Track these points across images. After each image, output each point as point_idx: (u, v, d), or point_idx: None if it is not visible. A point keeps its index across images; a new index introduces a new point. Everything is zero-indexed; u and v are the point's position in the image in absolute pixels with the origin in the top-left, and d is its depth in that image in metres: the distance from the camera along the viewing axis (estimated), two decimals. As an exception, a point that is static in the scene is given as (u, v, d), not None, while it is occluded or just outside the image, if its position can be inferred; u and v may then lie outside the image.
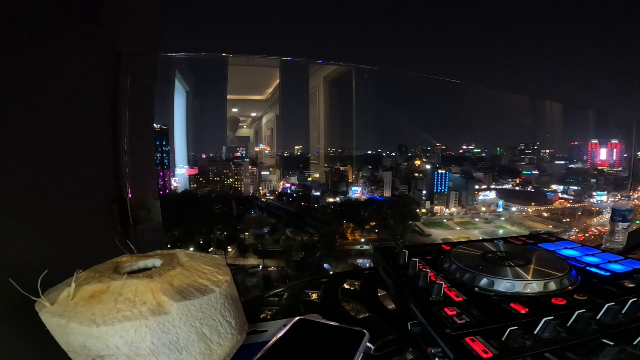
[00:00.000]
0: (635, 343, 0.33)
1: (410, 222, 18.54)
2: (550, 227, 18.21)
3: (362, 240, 16.06)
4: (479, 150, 22.87)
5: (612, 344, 0.33)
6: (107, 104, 0.77)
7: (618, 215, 0.92)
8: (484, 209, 20.22)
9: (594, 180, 19.99)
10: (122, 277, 0.34)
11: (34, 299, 0.33)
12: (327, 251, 14.67)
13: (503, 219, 19.87)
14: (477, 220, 19.90)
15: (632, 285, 0.46)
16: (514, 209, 20.27)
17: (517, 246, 0.64)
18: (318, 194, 18.61)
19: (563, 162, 21.53)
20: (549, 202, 20.06)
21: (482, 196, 20.38)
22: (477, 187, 20.47)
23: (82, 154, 0.67)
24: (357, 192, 19.19)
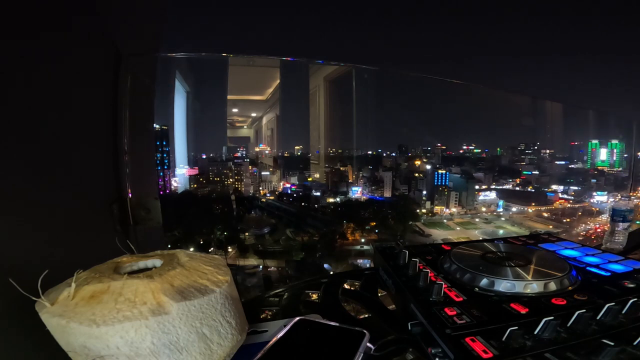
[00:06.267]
0: (635, 343, 0.33)
1: (410, 222, 18.54)
2: (550, 227, 18.21)
3: (362, 240, 16.06)
4: (479, 150, 22.90)
5: (612, 344, 0.33)
6: (107, 104, 0.77)
7: (618, 215, 0.92)
8: (484, 209, 20.22)
9: (594, 180, 20.00)
10: (122, 277, 0.34)
11: (34, 299, 0.33)
12: (327, 251, 14.67)
13: (503, 219, 19.87)
14: (477, 220, 19.91)
15: (632, 285, 0.46)
16: (514, 209, 20.28)
17: (517, 246, 0.64)
18: (318, 194, 18.61)
19: (563, 162, 21.54)
20: (549, 202, 20.07)
21: (482, 196, 20.39)
22: (477, 187, 20.48)
23: (82, 154, 0.67)
24: (357, 192, 19.20)
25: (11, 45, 0.48)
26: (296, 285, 0.64)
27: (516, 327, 0.34)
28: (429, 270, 0.49)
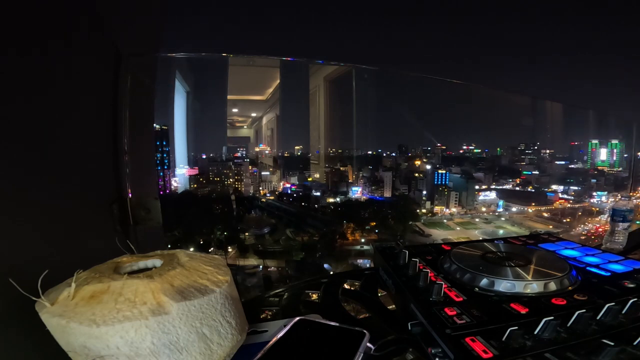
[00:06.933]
0: (635, 343, 0.33)
1: (410, 222, 18.54)
2: (550, 227, 18.21)
3: (362, 240, 16.06)
4: (479, 150, 22.90)
5: (612, 344, 0.33)
6: (107, 104, 0.77)
7: (618, 215, 0.92)
8: (484, 209, 20.22)
9: (594, 180, 20.01)
10: (122, 277, 0.34)
11: (34, 299, 0.33)
12: (327, 251, 14.67)
13: (503, 219, 19.87)
14: (477, 220, 19.91)
15: (632, 285, 0.46)
16: (514, 209, 20.28)
17: (517, 246, 0.64)
18: (318, 194, 18.62)
19: (563, 162, 21.54)
20: (549, 202, 20.07)
21: (482, 196, 20.39)
22: (477, 187, 20.48)
23: (82, 154, 0.67)
24: (357, 192, 19.20)
25: (11, 46, 0.48)
26: (296, 285, 0.64)
27: (516, 327, 0.34)
28: (429, 270, 0.49)
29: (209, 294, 0.35)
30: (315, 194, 18.62)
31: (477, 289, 0.46)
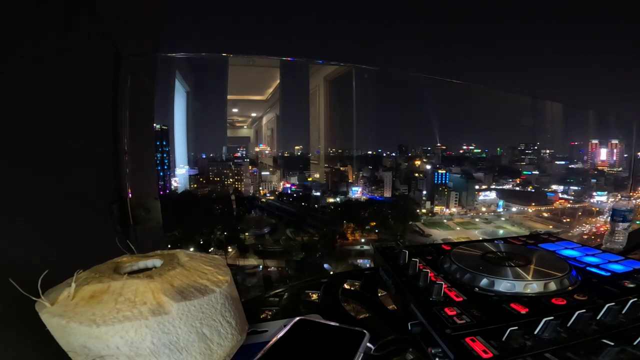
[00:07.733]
0: (635, 343, 0.33)
1: (410, 222, 18.55)
2: (550, 227, 18.21)
3: (362, 240, 16.07)
4: (479, 150, 22.93)
5: (612, 344, 0.33)
6: (107, 104, 0.77)
7: (618, 215, 0.92)
8: (484, 209, 20.23)
9: (594, 180, 20.02)
10: (122, 277, 0.34)
11: (34, 299, 0.33)
12: (327, 251, 14.68)
13: (503, 219, 19.88)
14: (477, 220, 19.91)
15: (632, 285, 0.46)
16: (514, 209, 20.29)
17: (517, 246, 0.64)
18: (318, 194, 18.63)
19: (563, 162, 21.56)
20: (549, 202, 20.09)
21: (482, 196, 20.40)
22: (477, 187, 20.49)
23: (82, 154, 0.67)
24: (357, 192, 19.21)
25: (11, 46, 0.48)
26: (296, 285, 0.64)
27: (516, 327, 0.34)
28: (429, 270, 0.49)
29: (209, 294, 0.35)
30: (315, 194, 18.64)
31: (477, 289, 0.46)
